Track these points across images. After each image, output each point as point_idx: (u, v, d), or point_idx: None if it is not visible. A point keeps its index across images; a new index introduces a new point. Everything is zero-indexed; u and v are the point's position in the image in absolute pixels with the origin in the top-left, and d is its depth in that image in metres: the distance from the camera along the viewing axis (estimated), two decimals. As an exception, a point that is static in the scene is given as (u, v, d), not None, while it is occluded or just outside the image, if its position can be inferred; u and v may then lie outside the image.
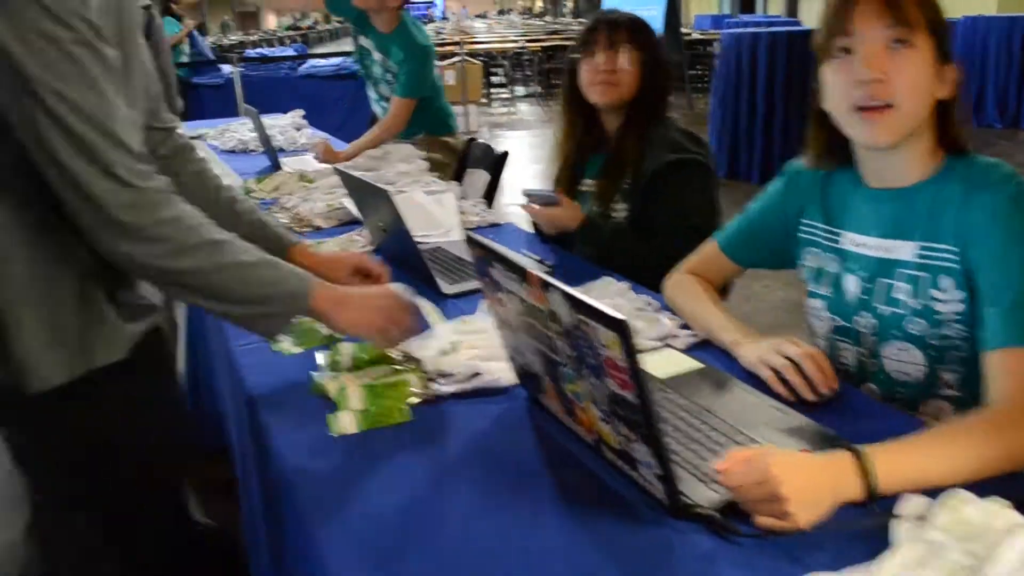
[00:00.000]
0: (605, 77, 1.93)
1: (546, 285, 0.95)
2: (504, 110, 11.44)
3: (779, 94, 6.38)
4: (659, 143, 1.91)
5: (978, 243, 1.17)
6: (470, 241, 1.16)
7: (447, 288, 1.72)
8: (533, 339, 1.07)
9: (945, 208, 1.21)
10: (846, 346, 1.37)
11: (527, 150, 8.07)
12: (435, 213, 2.23)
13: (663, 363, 1.32)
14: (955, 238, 1.20)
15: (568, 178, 2.09)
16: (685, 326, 1.47)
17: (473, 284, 1.71)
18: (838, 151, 1.33)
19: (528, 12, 38.76)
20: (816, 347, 1.25)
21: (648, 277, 1.67)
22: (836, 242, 1.37)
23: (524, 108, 11.48)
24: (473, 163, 3.23)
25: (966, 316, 1.20)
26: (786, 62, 6.31)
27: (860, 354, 1.35)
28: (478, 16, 36.12)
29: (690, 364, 1.33)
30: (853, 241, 1.34)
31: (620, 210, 1.97)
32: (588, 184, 2.06)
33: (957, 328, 1.22)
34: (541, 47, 12.66)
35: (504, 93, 12.85)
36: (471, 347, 1.36)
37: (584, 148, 2.06)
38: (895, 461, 0.94)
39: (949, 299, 1.21)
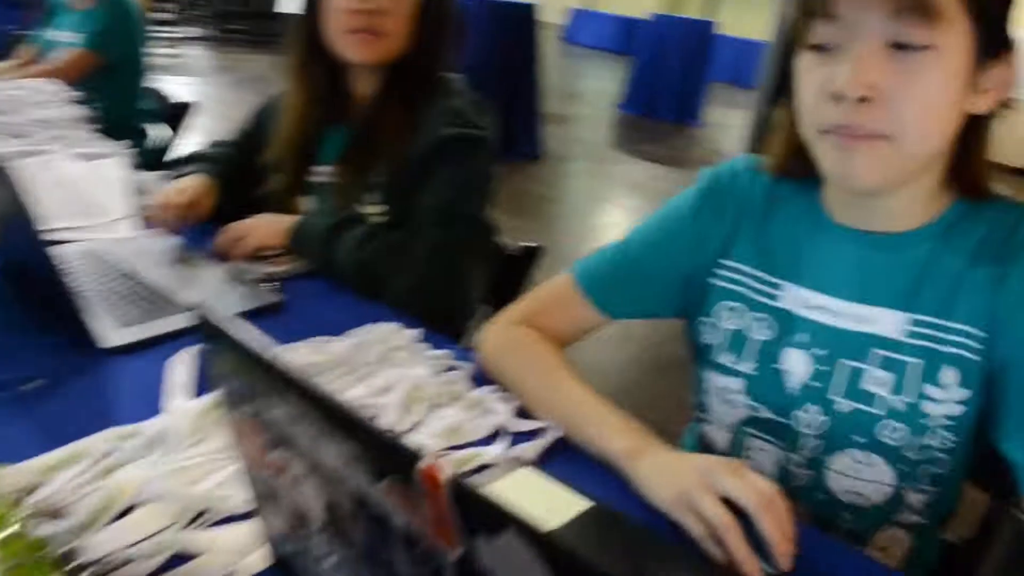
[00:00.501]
0: (365, 22, 1.28)
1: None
2: (172, 51, 10.03)
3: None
4: (433, 114, 1.32)
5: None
6: (202, 320, 0.54)
7: (113, 335, 1.01)
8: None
9: (963, 271, 0.84)
10: (765, 447, 0.95)
11: (207, 104, 7.01)
12: (91, 192, 1.46)
13: (523, 500, 0.77)
14: (980, 317, 0.83)
15: (294, 163, 1.43)
16: (523, 411, 0.94)
17: (165, 326, 1.03)
18: (807, 161, 0.87)
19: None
20: (767, 481, 0.76)
21: (407, 301, 1.21)
22: (773, 298, 0.94)
23: (194, 52, 10.17)
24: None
25: (962, 421, 0.85)
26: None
27: (790, 461, 0.93)
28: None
29: (568, 501, 0.79)
30: (803, 300, 0.91)
31: (373, 211, 1.36)
32: (324, 172, 1.43)
33: (944, 437, 0.86)
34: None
35: (171, 32, 11.37)
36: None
37: (318, 120, 1.41)
38: None
39: (946, 398, 0.85)
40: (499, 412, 0.92)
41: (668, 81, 8.89)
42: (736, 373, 0.95)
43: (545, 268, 1.53)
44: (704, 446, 1.03)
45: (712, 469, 0.76)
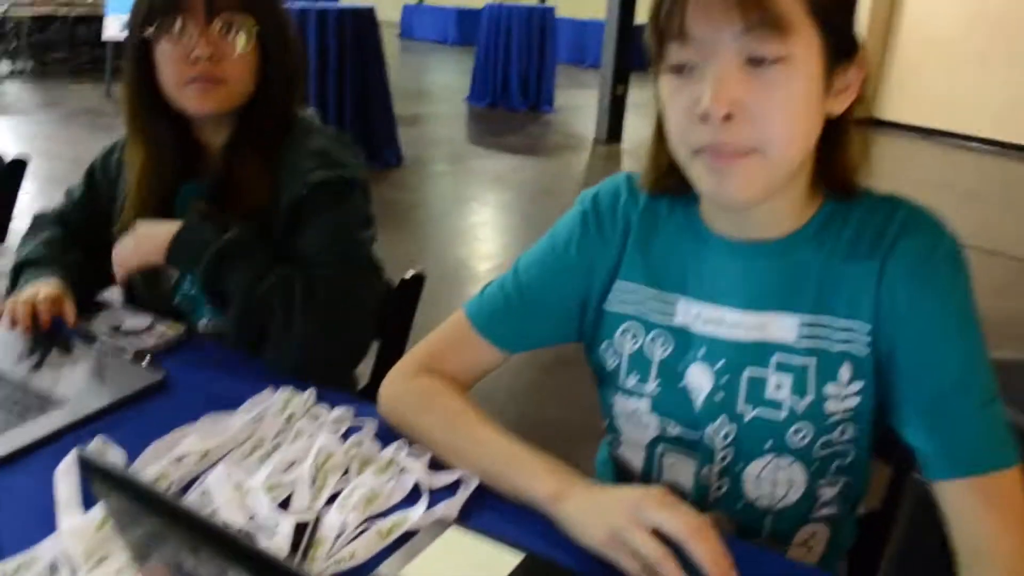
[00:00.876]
0: (202, 70, 1.18)
1: None
2: (-19, 91, 9.36)
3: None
4: (297, 158, 1.24)
5: (911, 321, 0.84)
6: (84, 465, 0.49)
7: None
8: None
9: (842, 269, 0.87)
10: (680, 460, 0.96)
11: (30, 143, 6.56)
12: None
13: (455, 563, 0.75)
14: (863, 311, 0.86)
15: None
16: (436, 462, 0.92)
17: (42, 428, 0.95)
18: (682, 178, 0.88)
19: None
20: (691, 507, 0.76)
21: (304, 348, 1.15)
22: (669, 315, 0.94)
23: (12, 89, 9.51)
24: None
25: (861, 411, 0.88)
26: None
27: (706, 472, 0.94)
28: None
29: (500, 557, 0.77)
30: (697, 314, 0.93)
31: None
32: None
33: (846, 428, 0.89)
34: (31, 16, 10.62)
35: (-18, 69, 10.64)
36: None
37: (169, 178, 1.29)
38: None
39: (844, 393, 0.87)
40: (413, 469, 0.90)
41: (514, 69, 8.95)
42: (641, 394, 0.95)
43: (431, 279, 1.51)
44: (619, 465, 1.04)
45: (639, 503, 0.76)
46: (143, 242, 1.22)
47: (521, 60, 8.95)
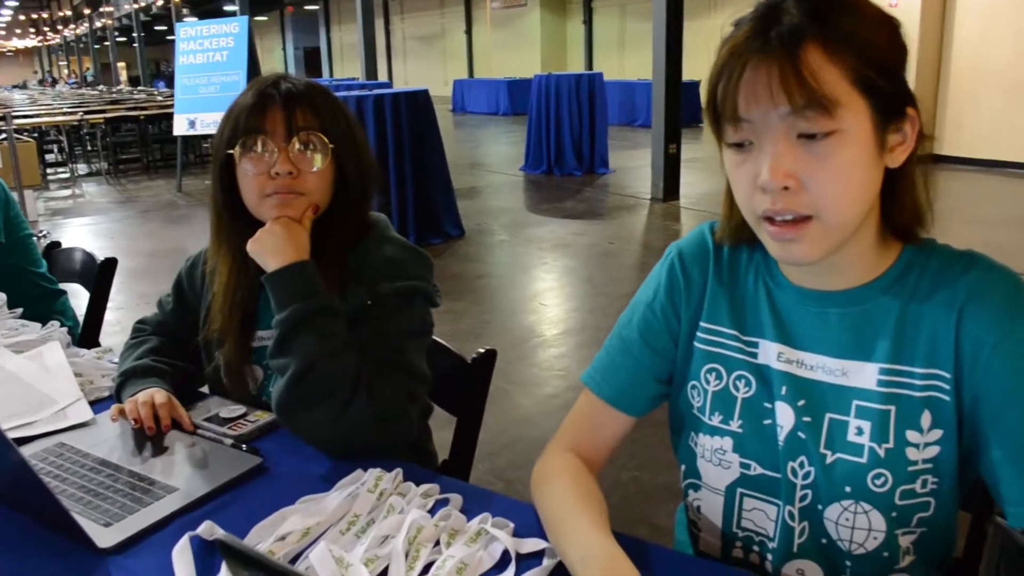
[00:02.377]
0: (284, 185, 1.26)
1: None
2: (67, 192, 9.89)
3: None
4: (368, 265, 1.31)
5: (993, 369, 0.85)
6: (225, 549, 0.55)
7: (104, 537, 1.00)
8: None
9: (921, 317, 0.90)
10: (760, 505, 0.99)
11: (110, 240, 6.90)
12: (35, 383, 1.44)
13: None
14: (944, 360, 0.88)
15: (236, 333, 1.36)
16: (520, 531, 0.97)
17: (154, 514, 1.03)
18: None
19: (75, 82, 35.25)
20: None
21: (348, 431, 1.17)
22: (754, 356, 0.99)
23: (91, 189, 10.04)
24: (61, 277, 2.38)
25: (941, 461, 0.90)
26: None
27: (786, 515, 0.96)
28: (15, 87, 31.99)
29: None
30: (780, 354, 0.97)
31: None
32: (265, 337, 1.36)
33: (926, 479, 0.90)
34: (104, 119, 11.26)
35: (63, 172, 11.23)
36: None
37: (252, 285, 1.35)
38: None
39: (926, 441, 0.89)
40: (501, 538, 0.95)
41: (567, 135, 9.12)
42: (724, 432, 0.99)
43: (500, 348, 1.56)
44: (700, 514, 1.06)
45: None
46: (283, 243, 1.24)
47: (573, 125, 9.11)
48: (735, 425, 0.99)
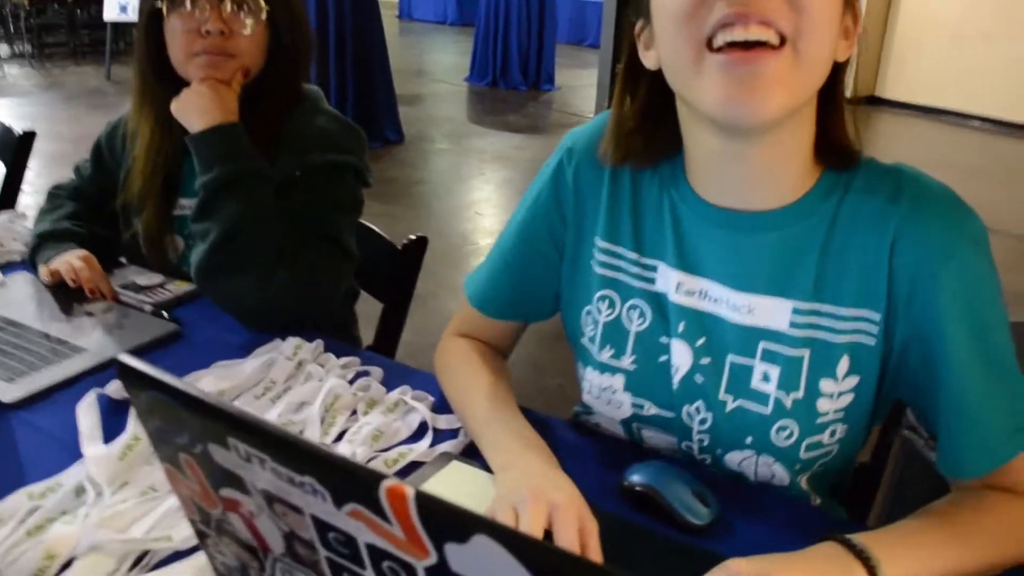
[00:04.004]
0: (213, 44, 1.19)
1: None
2: (-19, 74, 9.37)
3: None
4: (300, 135, 1.26)
5: (932, 308, 0.75)
6: (122, 370, 0.52)
7: (11, 389, 0.97)
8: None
9: (846, 249, 0.78)
10: (658, 436, 0.91)
11: (33, 124, 6.58)
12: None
13: (461, 492, 0.80)
14: (873, 299, 0.77)
15: (158, 199, 1.30)
16: (440, 406, 0.96)
17: (62, 372, 1.00)
18: (659, 145, 0.84)
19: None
20: (587, 510, 0.74)
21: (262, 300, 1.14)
22: (651, 282, 0.87)
23: (13, 71, 9.52)
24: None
25: (854, 410, 0.81)
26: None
27: (684, 449, 0.89)
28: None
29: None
30: (680, 284, 0.84)
31: None
32: (187, 206, 1.29)
33: (835, 429, 0.82)
34: (28, -1, 10.60)
35: (-17, 53, 10.65)
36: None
37: (175, 151, 1.28)
38: (905, 566, 0.67)
39: (840, 390, 0.80)
40: (418, 410, 0.94)
41: (514, 49, 8.96)
42: (615, 370, 0.88)
43: (434, 253, 1.54)
44: (601, 429, 0.98)
45: (551, 495, 0.73)
46: (210, 103, 1.18)
47: (521, 39, 8.94)
48: (627, 362, 0.87)
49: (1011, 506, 0.75)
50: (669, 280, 0.84)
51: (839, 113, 0.78)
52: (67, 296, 1.22)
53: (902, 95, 8.39)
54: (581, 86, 9.19)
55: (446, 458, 0.87)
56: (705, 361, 0.83)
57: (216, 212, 1.15)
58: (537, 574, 0.37)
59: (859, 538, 0.68)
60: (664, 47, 0.74)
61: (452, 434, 0.92)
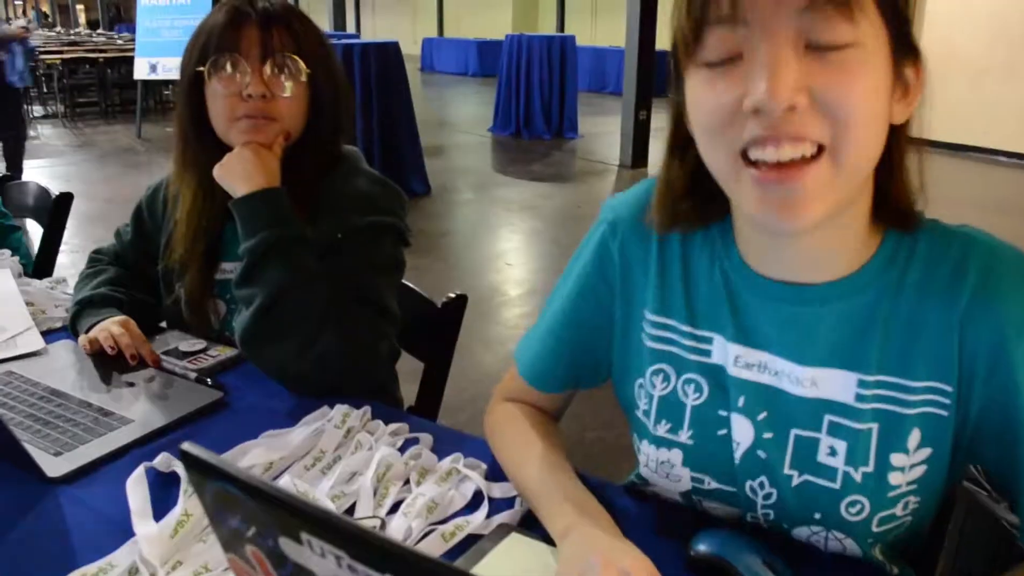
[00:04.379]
0: (254, 108, 1.20)
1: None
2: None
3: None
4: (340, 197, 1.25)
5: (1010, 380, 0.71)
6: (187, 459, 0.50)
7: (54, 467, 0.95)
8: None
9: (912, 318, 0.74)
10: (722, 508, 0.86)
11: (66, 184, 6.70)
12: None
13: (518, 565, 0.77)
14: (943, 370, 0.73)
15: (200, 263, 1.30)
16: (494, 473, 0.94)
17: (107, 444, 0.98)
18: (710, 209, 0.81)
19: (30, 21, 34.01)
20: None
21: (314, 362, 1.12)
22: (707, 355, 0.83)
23: (48, 131, 9.74)
24: (15, 211, 2.29)
25: (927, 482, 0.76)
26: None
27: (749, 522, 0.85)
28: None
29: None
30: (740, 359, 0.81)
31: None
32: (229, 269, 1.30)
33: (908, 501, 0.77)
34: (60, 60, 10.88)
35: (17, 114, 10.88)
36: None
37: (217, 214, 1.29)
38: None
39: (912, 463, 0.75)
40: (472, 479, 0.92)
41: (537, 98, 9.04)
42: (672, 444, 0.85)
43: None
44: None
45: (619, 558, 0.71)
46: (253, 168, 1.18)
47: (543, 88, 9.03)
48: (684, 436, 0.84)
49: None
50: (727, 353, 0.81)
51: (901, 177, 0.74)
52: (108, 364, 1.21)
53: (924, 132, 8.36)
54: (603, 133, 9.25)
55: (504, 530, 0.84)
56: (768, 436, 0.79)
57: (261, 278, 1.14)
58: None
59: None
60: (701, 149, 0.72)
61: (508, 503, 0.89)
